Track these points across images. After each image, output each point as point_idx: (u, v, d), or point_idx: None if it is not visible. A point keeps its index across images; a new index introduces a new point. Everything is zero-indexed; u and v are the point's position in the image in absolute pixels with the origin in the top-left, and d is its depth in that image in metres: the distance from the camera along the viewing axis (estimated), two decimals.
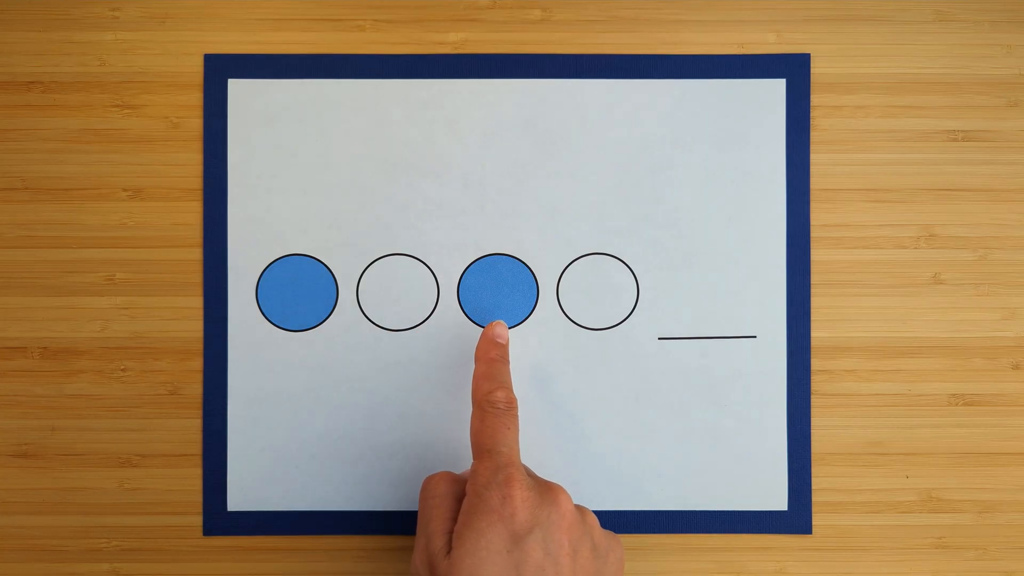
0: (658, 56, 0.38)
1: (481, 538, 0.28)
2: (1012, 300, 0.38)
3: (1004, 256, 0.38)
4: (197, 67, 0.38)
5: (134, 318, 0.38)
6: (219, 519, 0.37)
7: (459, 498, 0.31)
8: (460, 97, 0.38)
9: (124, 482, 0.38)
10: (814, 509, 0.38)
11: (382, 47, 0.38)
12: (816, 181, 0.38)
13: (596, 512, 0.37)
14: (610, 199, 0.38)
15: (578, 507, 0.30)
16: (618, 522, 0.38)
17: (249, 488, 0.37)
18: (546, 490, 0.30)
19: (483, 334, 0.35)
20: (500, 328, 0.35)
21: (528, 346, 0.38)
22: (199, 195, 0.38)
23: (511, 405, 0.31)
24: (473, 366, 0.36)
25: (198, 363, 0.38)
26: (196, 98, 0.38)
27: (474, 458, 0.31)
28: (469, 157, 0.38)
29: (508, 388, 0.32)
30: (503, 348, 0.34)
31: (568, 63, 0.38)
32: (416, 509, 0.37)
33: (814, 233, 0.38)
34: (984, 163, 0.38)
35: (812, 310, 0.38)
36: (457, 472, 0.35)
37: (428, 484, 0.32)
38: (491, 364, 0.33)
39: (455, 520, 0.30)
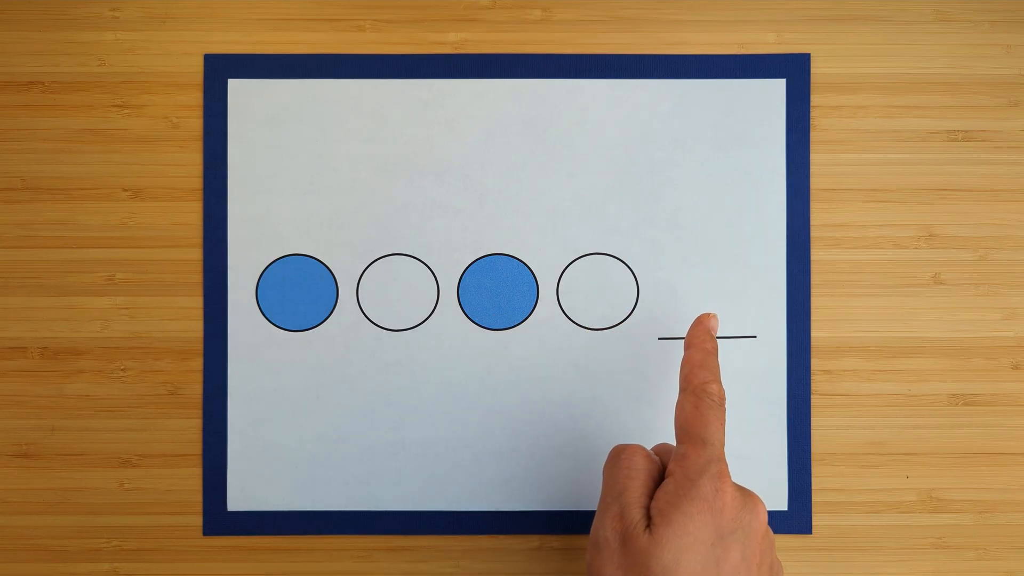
0: (658, 56, 0.38)
1: (690, 523, 0.28)
2: (1012, 300, 0.38)
3: (1004, 256, 0.38)
4: (197, 67, 0.38)
5: (134, 318, 0.38)
6: (219, 519, 0.37)
7: (654, 476, 0.31)
8: (460, 97, 0.38)
9: (124, 482, 0.38)
10: (814, 509, 0.38)
11: (382, 47, 0.38)
12: (816, 181, 0.38)
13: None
14: (610, 199, 0.38)
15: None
16: None
17: (249, 488, 0.37)
18: (748, 496, 0.29)
19: (698, 322, 0.34)
20: (715, 321, 0.34)
21: (528, 346, 0.38)
22: (199, 195, 0.38)
23: (723, 400, 0.31)
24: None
25: (198, 363, 0.38)
26: (196, 98, 0.38)
27: (681, 443, 0.31)
28: (469, 157, 0.38)
29: (720, 383, 0.32)
30: (715, 341, 0.33)
31: (568, 63, 0.38)
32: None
33: (814, 233, 0.38)
34: (984, 163, 0.38)
35: (812, 310, 0.38)
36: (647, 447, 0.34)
37: (623, 454, 0.31)
38: (707, 355, 0.32)
39: (650, 496, 0.30)
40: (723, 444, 0.30)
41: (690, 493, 0.28)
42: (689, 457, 0.30)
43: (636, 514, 0.29)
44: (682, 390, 0.32)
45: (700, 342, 0.33)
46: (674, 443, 0.36)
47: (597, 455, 0.38)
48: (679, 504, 0.28)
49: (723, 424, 0.30)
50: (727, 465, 0.29)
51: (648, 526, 0.28)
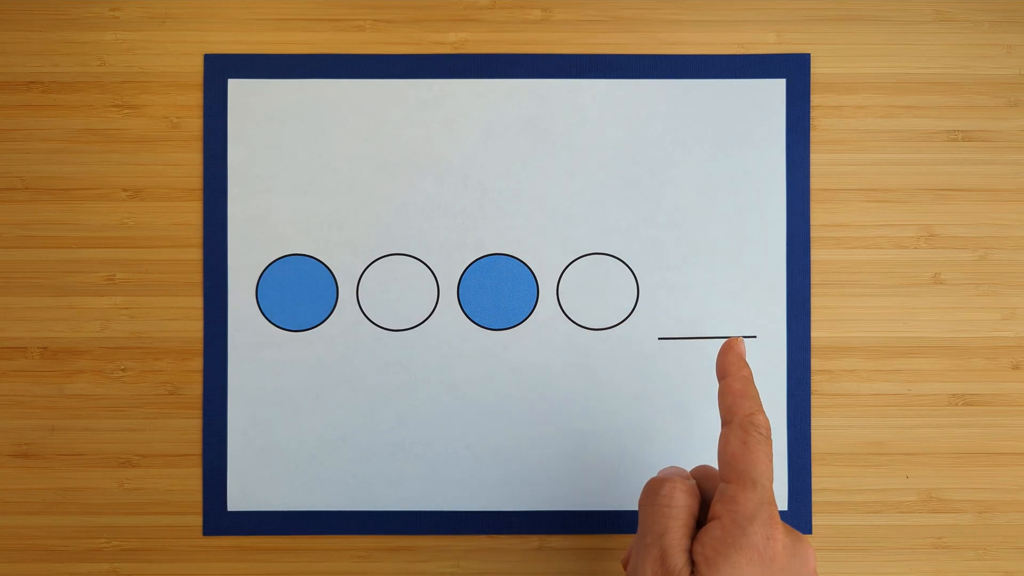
0: (658, 56, 0.38)
1: (739, 574, 0.27)
2: (1012, 300, 0.38)
3: (1004, 256, 0.38)
4: (197, 67, 0.38)
5: (134, 318, 0.38)
6: (219, 519, 0.37)
7: (695, 512, 0.29)
8: (460, 97, 0.38)
9: (124, 482, 0.38)
10: (814, 509, 0.38)
11: (382, 47, 0.38)
12: (816, 181, 0.38)
13: (595, 512, 0.37)
14: (610, 199, 0.38)
15: None
16: (618, 522, 0.38)
17: (249, 488, 0.37)
18: (797, 540, 0.28)
19: (728, 348, 0.31)
20: (743, 346, 0.32)
21: (528, 346, 0.38)
22: (199, 195, 0.38)
23: (769, 431, 0.29)
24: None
25: (198, 363, 0.38)
26: (196, 98, 0.38)
27: (729, 482, 0.29)
28: (469, 157, 0.38)
29: (764, 411, 0.30)
30: (750, 368, 0.31)
31: (568, 63, 0.38)
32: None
33: (814, 233, 0.38)
34: (984, 163, 0.38)
35: (812, 310, 0.38)
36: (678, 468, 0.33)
37: (663, 489, 0.29)
38: (747, 383, 0.30)
39: (691, 537, 0.29)
40: (772, 482, 0.29)
41: (740, 542, 0.27)
42: (739, 501, 0.28)
43: (679, 560, 0.28)
44: (726, 423, 0.30)
45: (736, 370, 0.31)
46: (683, 447, 0.36)
47: (597, 455, 0.38)
48: (727, 553, 0.27)
49: (771, 459, 0.29)
50: (776, 507, 0.28)
51: (692, 573, 0.27)
